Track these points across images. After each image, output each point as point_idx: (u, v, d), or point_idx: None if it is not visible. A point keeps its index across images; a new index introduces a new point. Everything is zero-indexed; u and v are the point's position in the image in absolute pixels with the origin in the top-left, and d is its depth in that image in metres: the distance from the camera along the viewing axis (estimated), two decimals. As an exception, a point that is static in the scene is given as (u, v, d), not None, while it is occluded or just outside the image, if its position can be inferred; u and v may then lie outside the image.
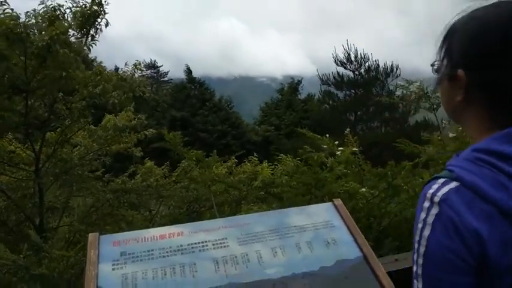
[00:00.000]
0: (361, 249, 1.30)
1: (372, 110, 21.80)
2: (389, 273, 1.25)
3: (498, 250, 0.64)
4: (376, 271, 1.23)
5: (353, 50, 21.95)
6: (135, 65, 5.39)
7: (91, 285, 1.10)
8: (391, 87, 21.33)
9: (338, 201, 1.48)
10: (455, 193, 0.69)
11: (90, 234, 1.25)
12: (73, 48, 4.01)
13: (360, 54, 21.96)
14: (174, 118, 24.29)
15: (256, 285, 1.16)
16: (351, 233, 1.36)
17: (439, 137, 4.30)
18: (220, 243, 1.29)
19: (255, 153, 4.96)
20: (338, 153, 3.41)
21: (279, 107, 27.48)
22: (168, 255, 1.22)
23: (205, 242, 1.28)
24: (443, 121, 4.16)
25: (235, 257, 1.24)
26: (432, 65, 0.87)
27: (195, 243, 1.27)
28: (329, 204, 1.49)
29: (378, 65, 21.96)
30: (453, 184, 0.70)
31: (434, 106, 3.94)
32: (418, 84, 3.84)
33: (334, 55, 22.26)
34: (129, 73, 5.23)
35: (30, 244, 3.48)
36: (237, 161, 5.14)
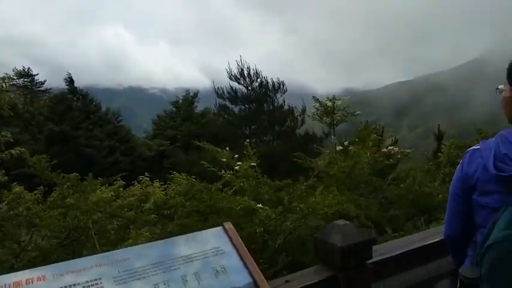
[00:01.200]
0: (251, 275, 1.25)
1: (264, 124, 22.79)
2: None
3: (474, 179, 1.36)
4: (266, 297, 1.19)
5: (246, 66, 22.78)
6: (2, 78, 4.64)
7: None
8: (280, 102, 22.81)
9: (228, 225, 1.42)
10: (472, 151, 1.41)
11: None
12: None
13: (253, 69, 22.90)
14: (52, 132, 21.81)
15: (136, 331, 1.01)
16: (241, 259, 1.31)
17: (328, 151, 4.64)
18: (93, 285, 1.11)
19: (146, 173, 4.66)
20: (237, 167, 3.39)
21: (175, 119, 26.79)
22: (23, 309, 1.00)
23: (74, 285, 1.09)
24: (333, 136, 4.50)
25: (112, 300, 1.08)
26: (497, 88, 1.43)
27: (61, 289, 1.07)
28: (219, 229, 1.42)
29: (267, 82, 23.17)
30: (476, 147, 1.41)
31: (335, 122, 4.26)
32: (335, 101, 4.11)
33: (228, 70, 22.78)
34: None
35: None
36: (124, 183, 4.76)
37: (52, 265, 1.16)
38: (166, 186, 4.25)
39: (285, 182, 3.54)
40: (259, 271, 1.27)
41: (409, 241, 1.88)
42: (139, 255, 1.23)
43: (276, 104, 23.25)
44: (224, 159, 3.68)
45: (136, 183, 4.65)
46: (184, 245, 1.31)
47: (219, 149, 3.90)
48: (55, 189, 4.54)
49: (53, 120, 22.70)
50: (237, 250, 1.33)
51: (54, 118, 22.89)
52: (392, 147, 5.30)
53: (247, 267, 1.28)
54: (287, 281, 1.35)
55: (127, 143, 24.34)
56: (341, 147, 4.20)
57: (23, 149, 3.87)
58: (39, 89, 34.25)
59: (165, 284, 1.16)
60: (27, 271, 1.10)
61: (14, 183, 4.87)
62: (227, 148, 3.93)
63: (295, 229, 2.60)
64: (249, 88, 23.12)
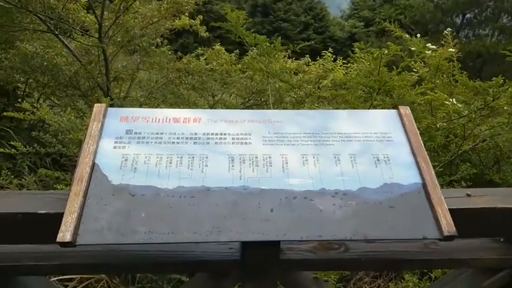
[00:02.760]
0: (421, 175, 0.99)
1: (485, 13, 18.34)
2: (453, 210, 0.94)
3: None
4: (434, 205, 0.93)
5: None
6: None
7: (86, 160, 0.96)
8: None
9: (405, 110, 1.13)
10: None
11: (96, 105, 1.08)
12: None
13: None
14: (256, 3, 23.01)
15: (273, 194, 0.94)
16: (413, 153, 1.04)
17: None
18: (242, 138, 1.05)
19: (329, 48, 4.41)
20: (428, 51, 2.80)
21: (375, -2, 24.38)
22: (178, 142, 1.03)
23: (224, 134, 1.06)
24: None
25: (256, 157, 1.01)
26: None
27: (212, 134, 1.06)
28: (393, 112, 1.15)
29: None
30: None
31: None
32: None
33: None
34: None
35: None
36: (310, 60, 4.66)
37: (210, 110, 1.15)
38: (348, 65, 3.96)
39: (488, 83, 2.78)
40: (433, 173, 1.00)
41: None
42: (293, 120, 1.11)
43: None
44: (413, 48, 3.07)
45: (319, 58, 4.50)
46: (346, 121, 1.12)
47: (409, 37, 3.26)
48: (247, 54, 4.83)
49: (257, -9, 23.75)
50: (410, 141, 1.06)
51: (259, -11, 23.84)
52: None
53: (418, 165, 1.01)
54: (469, 195, 1.04)
55: (320, 20, 23.91)
56: None
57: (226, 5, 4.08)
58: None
59: (314, 157, 1.02)
60: (187, 110, 1.12)
61: (218, 44, 5.38)
62: (418, 35, 3.25)
63: (491, 137, 2.05)
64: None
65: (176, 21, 4.09)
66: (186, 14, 4.13)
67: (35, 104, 1.80)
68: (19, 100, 3.61)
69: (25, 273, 1.04)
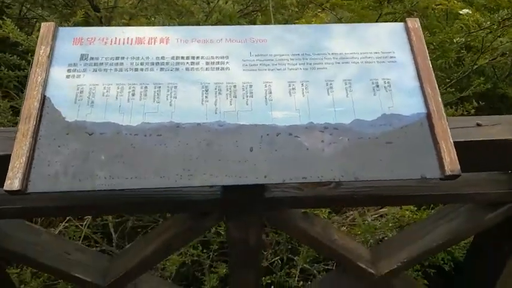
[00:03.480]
0: (426, 103, 0.85)
1: None
2: (460, 144, 0.82)
3: None
4: (438, 140, 0.81)
5: None
6: None
7: (34, 93, 0.82)
8: None
9: (413, 23, 0.94)
10: None
11: (43, 24, 0.90)
12: None
13: None
14: None
15: (253, 131, 0.81)
16: (419, 76, 0.88)
17: None
18: (218, 62, 0.89)
19: None
20: None
21: None
22: (142, 69, 0.87)
23: (197, 57, 0.89)
24: None
25: (234, 86, 0.86)
26: None
27: (182, 58, 0.89)
28: (399, 25, 0.96)
29: None
30: None
31: None
32: None
33: None
34: None
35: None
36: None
37: (179, 27, 0.97)
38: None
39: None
40: (440, 100, 0.85)
41: None
42: (281, 39, 0.93)
43: None
44: None
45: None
46: (343, 39, 0.94)
47: None
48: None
49: None
50: (416, 62, 0.90)
51: None
52: None
53: (423, 91, 0.86)
54: (479, 125, 0.91)
55: None
56: None
57: None
58: None
59: (302, 85, 0.87)
60: (152, 28, 0.94)
61: None
62: None
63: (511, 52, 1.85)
64: None
65: None
66: None
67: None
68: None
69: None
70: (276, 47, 0.92)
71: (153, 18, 3.67)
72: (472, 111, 1.80)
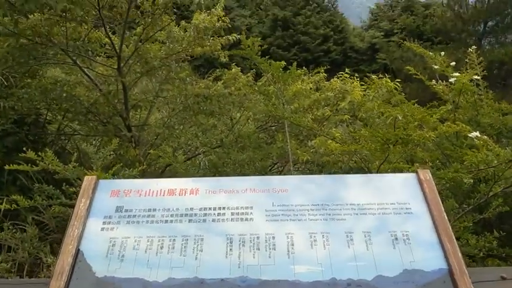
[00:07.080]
0: (446, 258, 0.86)
1: (507, 19, 17.68)
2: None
3: None
4: (464, 297, 0.80)
5: None
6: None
7: (70, 248, 0.88)
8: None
9: (424, 173, 1.00)
10: None
11: (85, 178, 1.00)
12: None
13: None
14: (276, 18, 23.08)
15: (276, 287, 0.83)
16: (436, 228, 0.91)
17: None
18: (242, 213, 0.95)
19: (350, 59, 4.28)
20: (452, 80, 2.65)
21: (394, 8, 23.96)
22: (171, 221, 0.94)
23: (223, 208, 0.96)
24: None
25: (257, 237, 0.90)
26: None
27: (209, 209, 0.96)
28: (411, 176, 1.02)
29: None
30: None
31: None
32: None
33: None
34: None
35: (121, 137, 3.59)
36: (325, 75, 4.54)
37: (209, 178, 1.06)
38: (366, 87, 3.81)
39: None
40: (460, 255, 0.86)
41: None
42: (301, 189, 1.00)
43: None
44: (436, 67, 2.91)
45: (337, 77, 4.37)
46: (359, 188, 1.00)
47: (430, 53, 3.09)
48: (263, 75, 4.77)
49: (278, 5, 23.84)
50: (431, 213, 0.93)
51: (280, 3, 23.93)
52: None
53: (442, 244, 0.88)
54: (503, 278, 0.89)
55: (340, 32, 23.71)
56: None
57: (236, 35, 4.04)
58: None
59: (323, 236, 0.90)
60: (184, 180, 1.03)
61: (233, 64, 5.35)
62: (442, 53, 3.08)
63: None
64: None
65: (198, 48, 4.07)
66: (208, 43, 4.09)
67: (39, 154, 1.75)
68: (39, 129, 3.65)
69: None
70: (296, 197, 0.98)
71: (177, 140, 3.94)
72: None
